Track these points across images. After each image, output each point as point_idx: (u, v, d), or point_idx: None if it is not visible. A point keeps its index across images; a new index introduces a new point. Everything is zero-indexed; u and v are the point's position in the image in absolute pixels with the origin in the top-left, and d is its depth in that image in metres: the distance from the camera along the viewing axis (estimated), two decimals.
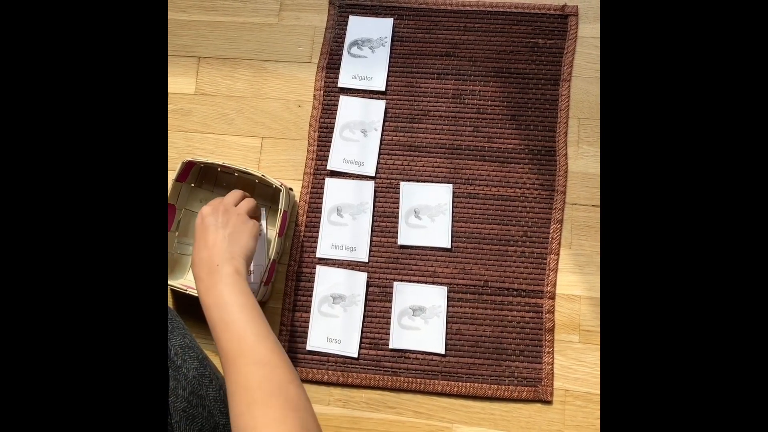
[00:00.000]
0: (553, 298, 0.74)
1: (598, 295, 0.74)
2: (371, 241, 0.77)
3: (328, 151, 0.81)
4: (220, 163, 0.75)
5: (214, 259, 0.62)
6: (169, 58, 0.86)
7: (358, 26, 0.85)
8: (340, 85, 0.83)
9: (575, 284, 0.75)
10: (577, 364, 0.72)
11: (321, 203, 0.79)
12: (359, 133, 0.81)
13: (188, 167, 0.76)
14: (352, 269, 0.76)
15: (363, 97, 0.83)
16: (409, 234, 0.77)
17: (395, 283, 0.75)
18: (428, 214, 0.77)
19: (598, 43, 0.82)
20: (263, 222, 0.77)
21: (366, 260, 0.77)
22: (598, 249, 0.76)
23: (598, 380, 0.71)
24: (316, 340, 0.74)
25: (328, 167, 0.80)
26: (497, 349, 0.73)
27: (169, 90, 0.85)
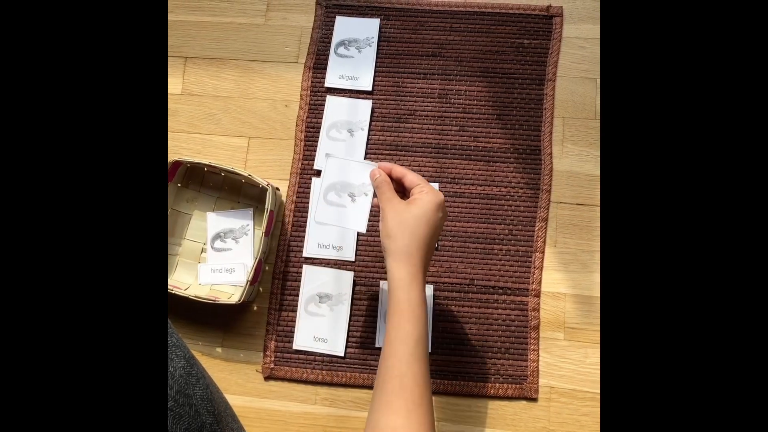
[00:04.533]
0: (538, 295, 0.75)
1: (583, 292, 0.75)
2: (358, 240, 0.78)
3: (315, 150, 0.81)
4: (207, 163, 0.75)
5: (429, 261, 0.60)
6: None
7: (345, 26, 0.85)
8: (326, 85, 0.83)
9: (560, 282, 0.75)
10: (562, 361, 0.73)
11: (308, 203, 0.79)
12: (346, 133, 0.81)
13: (175, 167, 0.76)
14: (339, 268, 0.77)
15: (350, 96, 0.83)
16: None
17: (382, 282, 0.76)
18: None
19: (582, 43, 0.83)
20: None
21: (353, 259, 0.77)
22: (582, 247, 0.76)
23: (583, 377, 0.72)
24: (302, 340, 0.75)
25: (315, 167, 0.80)
26: (483, 347, 0.73)
27: None
